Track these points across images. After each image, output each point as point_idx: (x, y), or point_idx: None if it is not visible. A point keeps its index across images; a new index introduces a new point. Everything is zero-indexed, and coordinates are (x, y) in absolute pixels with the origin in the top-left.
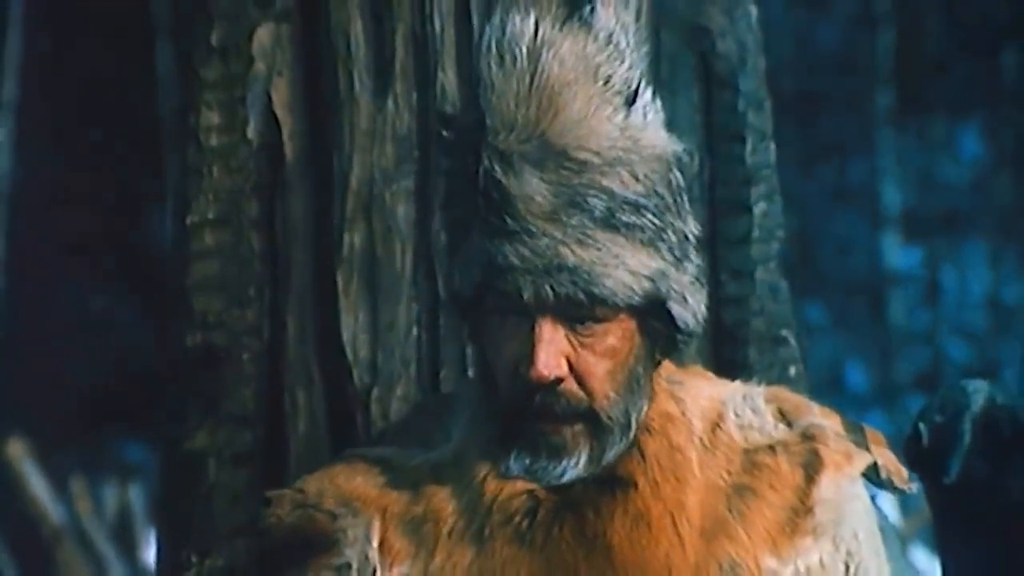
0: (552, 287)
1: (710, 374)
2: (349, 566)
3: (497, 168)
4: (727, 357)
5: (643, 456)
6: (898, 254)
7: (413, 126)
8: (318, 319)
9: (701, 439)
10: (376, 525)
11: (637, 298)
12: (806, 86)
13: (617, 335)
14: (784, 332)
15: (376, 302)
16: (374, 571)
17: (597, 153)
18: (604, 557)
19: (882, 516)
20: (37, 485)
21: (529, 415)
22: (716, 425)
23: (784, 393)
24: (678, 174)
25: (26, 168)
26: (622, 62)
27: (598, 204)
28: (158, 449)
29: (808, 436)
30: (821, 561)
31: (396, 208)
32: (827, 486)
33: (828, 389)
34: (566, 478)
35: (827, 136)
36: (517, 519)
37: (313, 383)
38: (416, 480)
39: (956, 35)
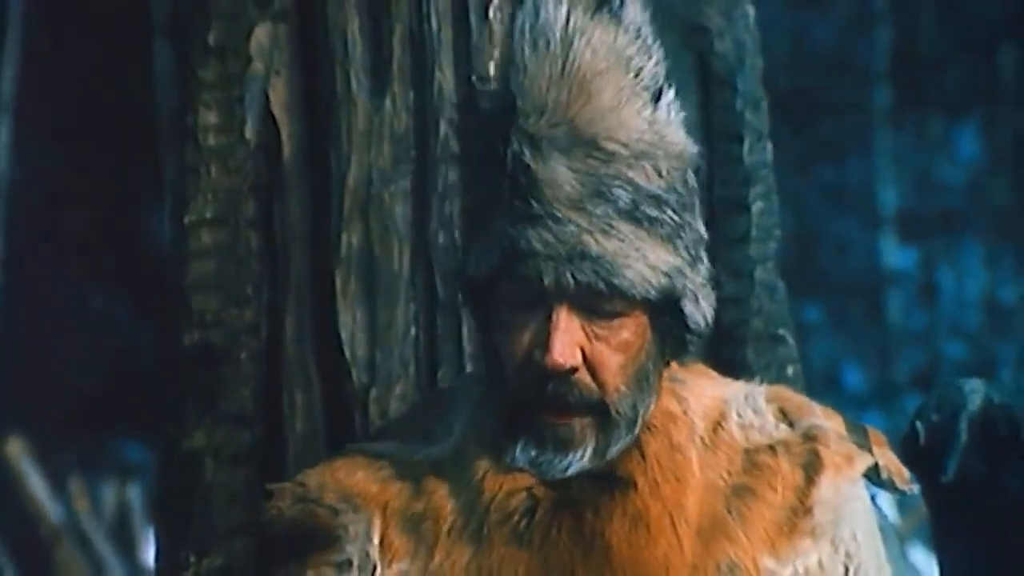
0: (573, 275)
1: (713, 373)
2: (350, 563)
3: (526, 152)
4: (725, 356)
5: (643, 455)
6: (895, 254)
7: (411, 126)
8: (316, 319)
9: (702, 438)
10: (377, 522)
11: (654, 293)
12: (803, 86)
13: (631, 329)
14: (782, 331)
15: (374, 302)
16: (374, 569)
17: (625, 145)
18: (602, 557)
19: (882, 516)
20: (36, 484)
21: (539, 405)
22: (718, 424)
23: (786, 393)
24: (692, 175)
25: (25, 168)
26: (650, 57)
27: (623, 196)
28: (156, 448)
29: (809, 437)
30: (820, 562)
31: (394, 208)
32: (827, 487)
33: (826, 388)
34: (570, 471)
35: (824, 136)
36: (515, 518)
37: (311, 383)
38: (417, 476)
39: (953, 35)
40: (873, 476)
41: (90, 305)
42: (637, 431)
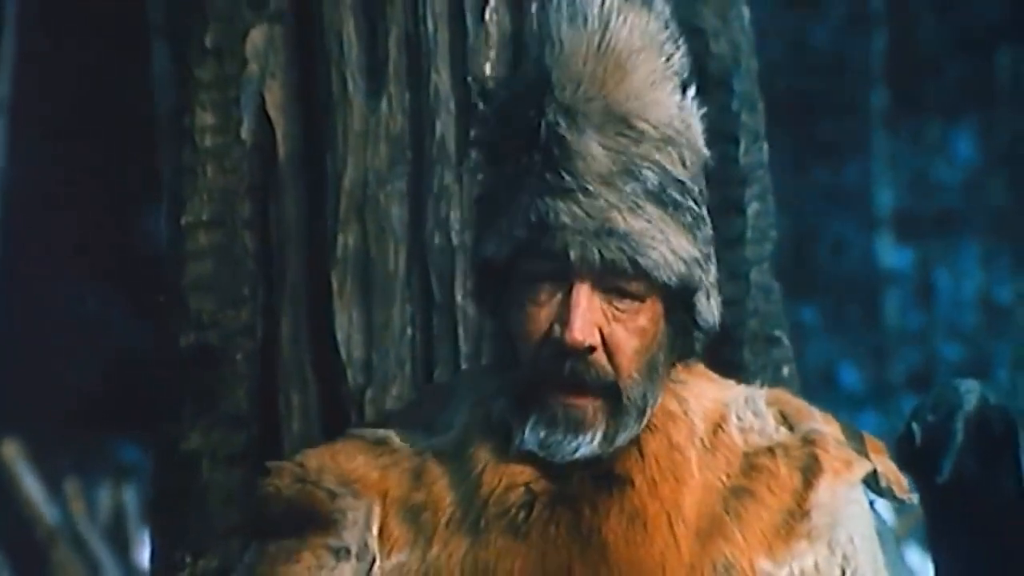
0: (600, 250)
1: (713, 375)
2: (348, 551)
3: (562, 122)
4: (721, 358)
5: (642, 454)
6: (891, 255)
7: (406, 127)
8: (312, 319)
9: (702, 439)
10: (376, 510)
11: (674, 279)
12: (799, 87)
13: (648, 316)
14: (777, 332)
15: (370, 302)
16: (373, 560)
17: (655, 127)
18: (599, 554)
19: (880, 521)
20: (31, 486)
21: (555, 383)
22: (718, 426)
23: (786, 397)
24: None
25: (21, 168)
26: (677, 48)
27: (651, 177)
28: (152, 449)
29: (809, 441)
30: (816, 565)
31: (390, 209)
32: (824, 491)
33: (822, 389)
34: (579, 454)
35: (821, 137)
36: (513, 512)
37: (307, 383)
38: (418, 466)
39: (949, 37)
40: (872, 484)
41: (86, 306)
42: (644, 422)
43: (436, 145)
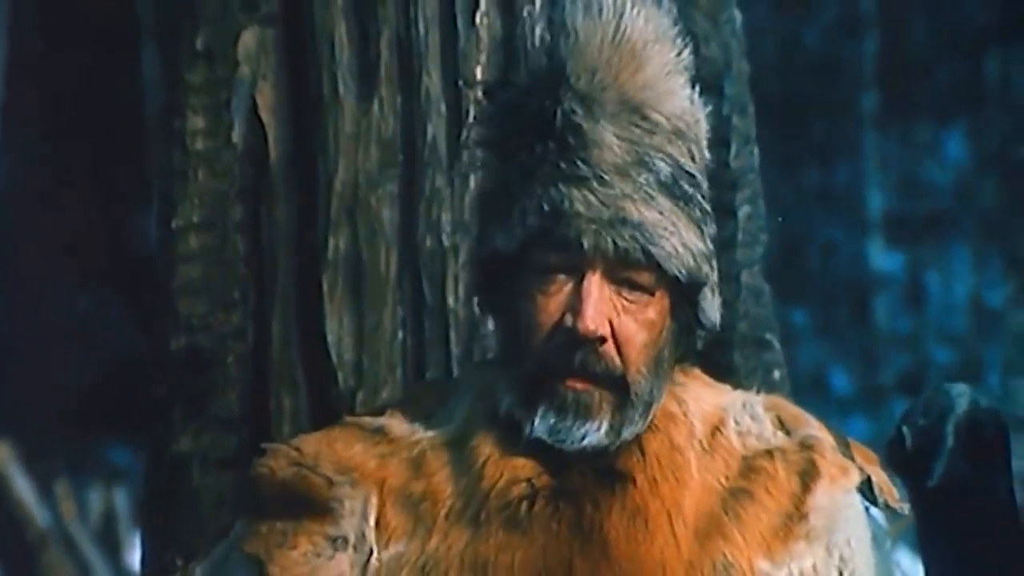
0: (614, 240)
1: (710, 379)
2: (346, 541)
3: (578, 111)
4: (712, 361)
5: (643, 453)
6: (882, 258)
7: (398, 130)
8: (303, 322)
9: (701, 441)
10: (374, 500)
11: (684, 271)
12: (790, 90)
13: (656, 309)
14: (768, 335)
15: (361, 305)
16: (370, 552)
17: (668, 118)
18: (599, 550)
19: (877, 525)
20: (22, 488)
21: (564, 372)
22: (716, 430)
23: (783, 402)
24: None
25: (11, 171)
26: (685, 45)
27: (664, 168)
28: (143, 452)
29: (806, 446)
30: (814, 566)
31: (381, 211)
32: (822, 495)
33: (812, 392)
34: (586, 442)
35: (811, 140)
36: (514, 506)
37: (298, 386)
38: (416, 456)
39: (940, 39)
40: (866, 493)
41: (77, 308)
42: (649, 419)
43: (427, 148)
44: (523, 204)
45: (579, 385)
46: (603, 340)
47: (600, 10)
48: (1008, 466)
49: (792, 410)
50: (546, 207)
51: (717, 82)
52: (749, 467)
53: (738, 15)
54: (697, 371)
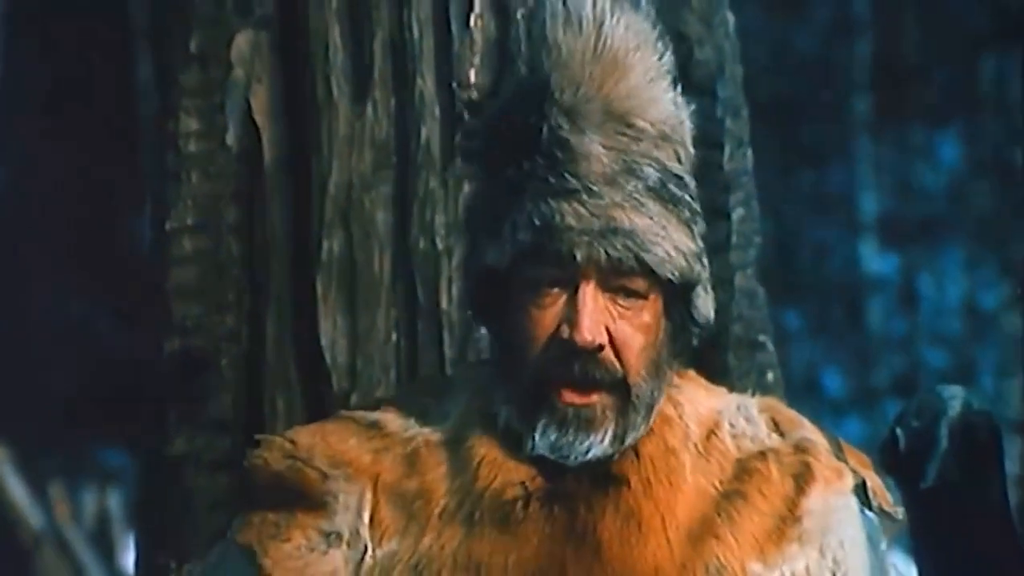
0: (606, 250)
1: (705, 382)
2: (340, 537)
3: (564, 125)
4: (706, 362)
5: (637, 455)
6: (875, 260)
7: (391, 132)
8: (297, 325)
9: (696, 444)
10: (368, 496)
11: (677, 274)
12: (784, 93)
13: (651, 312)
14: (762, 338)
15: (355, 308)
16: (365, 548)
17: (653, 124)
18: (592, 552)
19: (872, 527)
20: (16, 490)
21: (564, 383)
22: (712, 432)
23: (778, 405)
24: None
25: (5, 173)
26: (667, 47)
27: (652, 174)
28: (137, 455)
29: (801, 448)
30: (807, 568)
31: (375, 214)
32: (816, 498)
33: (806, 394)
34: (591, 455)
35: (805, 143)
36: (508, 507)
37: (292, 388)
38: (411, 453)
39: (934, 43)
40: (861, 496)
41: (71, 310)
42: (651, 422)
43: (421, 150)
44: (513, 220)
45: (579, 399)
46: (601, 348)
47: (580, 22)
48: (1001, 468)
49: (787, 412)
50: (537, 222)
51: (711, 85)
52: (743, 469)
53: (731, 18)
54: (692, 373)
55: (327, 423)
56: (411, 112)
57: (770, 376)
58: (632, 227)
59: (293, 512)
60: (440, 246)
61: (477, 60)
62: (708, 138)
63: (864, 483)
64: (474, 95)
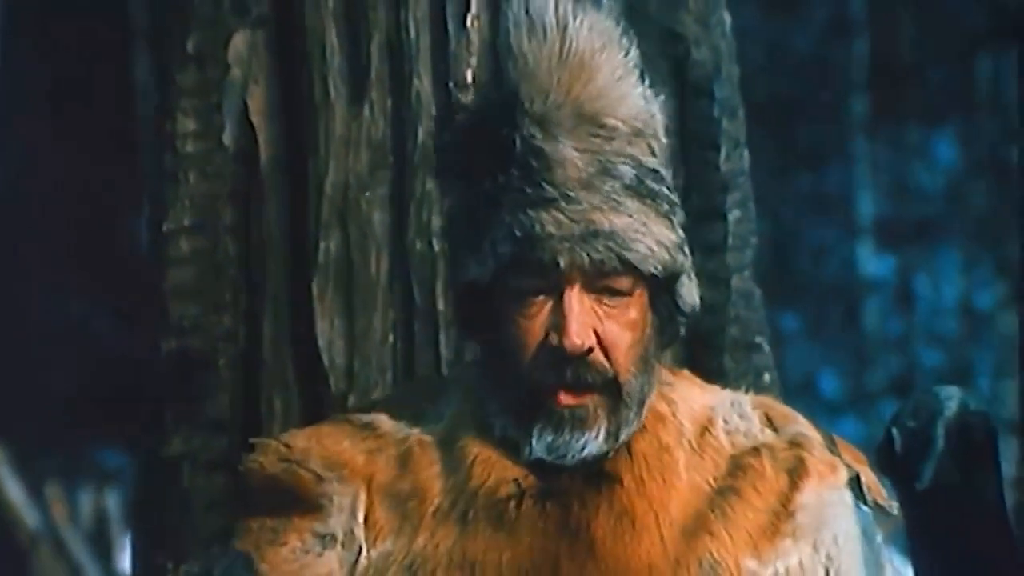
0: (588, 253)
1: (699, 380)
2: (334, 538)
3: (536, 134)
4: (702, 364)
5: (631, 453)
6: (872, 261)
7: (388, 133)
8: (294, 325)
9: (689, 441)
10: (363, 497)
11: (660, 268)
12: (780, 94)
13: (637, 308)
14: (758, 339)
15: (352, 308)
16: (359, 549)
17: (624, 121)
18: (586, 549)
19: (867, 521)
20: (13, 490)
21: (557, 387)
22: (705, 429)
23: (771, 401)
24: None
25: (3, 174)
26: (632, 42)
27: (627, 172)
28: (134, 455)
29: (795, 443)
30: (800, 563)
31: (372, 215)
32: (810, 493)
33: (802, 395)
34: (587, 452)
35: (801, 144)
36: (502, 506)
37: (289, 389)
38: (404, 453)
39: (930, 43)
40: (855, 490)
41: (68, 310)
42: (643, 416)
43: (418, 151)
44: (492, 233)
45: (572, 401)
46: (591, 351)
47: (544, 28)
48: (997, 469)
49: (780, 408)
50: (517, 233)
51: (707, 85)
52: (737, 465)
53: (728, 18)
54: (686, 372)
55: (322, 426)
56: (408, 113)
57: (767, 377)
58: (612, 228)
59: (289, 515)
60: (437, 247)
61: (474, 60)
62: (704, 139)
63: (858, 477)
64: (471, 96)
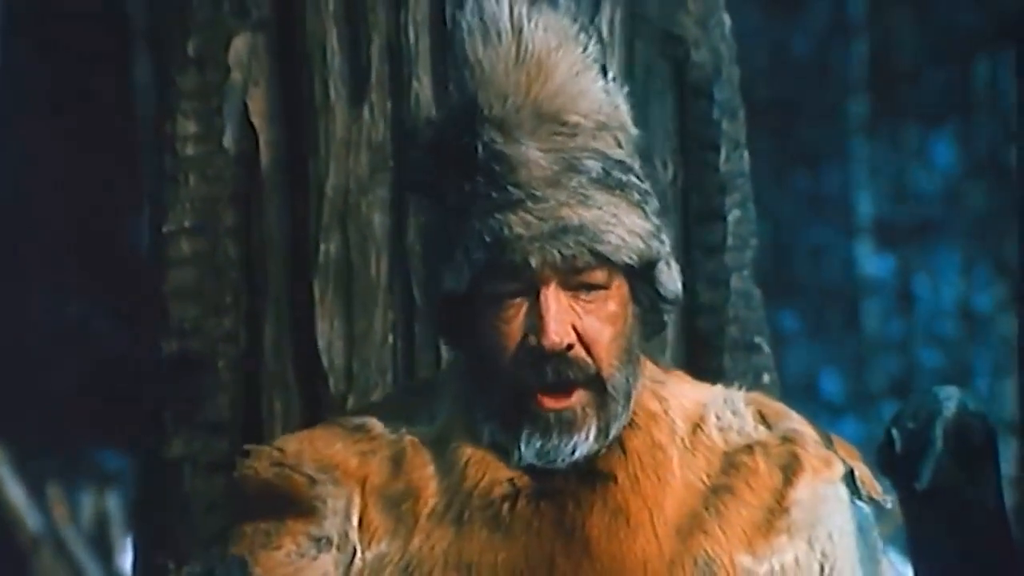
0: (559, 250)
1: (690, 378)
2: (329, 541)
3: (497, 138)
4: (702, 365)
5: (624, 451)
6: (871, 262)
7: (388, 135)
8: (294, 327)
9: (682, 439)
10: (356, 500)
11: (634, 257)
12: (780, 95)
13: (616, 300)
14: (758, 339)
15: (351, 310)
16: (354, 552)
17: (586, 116)
18: (581, 548)
19: (863, 516)
20: (14, 492)
21: (540, 388)
22: (697, 427)
23: (764, 398)
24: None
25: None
26: (590, 38)
27: (593, 166)
28: (135, 456)
29: (788, 439)
30: (796, 560)
31: (372, 216)
32: (804, 488)
33: (802, 396)
34: (577, 453)
35: (801, 145)
36: (497, 506)
37: (289, 390)
38: (397, 454)
39: (929, 45)
40: (849, 485)
41: (68, 312)
42: (631, 409)
43: None
44: (464, 243)
45: (557, 404)
46: (570, 347)
47: (499, 33)
48: (996, 469)
49: (774, 405)
50: (487, 238)
51: (707, 87)
52: (731, 463)
53: (728, 20)
54: (678, 371)
55: (315, 429)
56: (408, 115)
57: (766, 378)
58: (581, 222)
59: (283, 519)
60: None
61: None
62: (704, 140)
63: (852, 472)
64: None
